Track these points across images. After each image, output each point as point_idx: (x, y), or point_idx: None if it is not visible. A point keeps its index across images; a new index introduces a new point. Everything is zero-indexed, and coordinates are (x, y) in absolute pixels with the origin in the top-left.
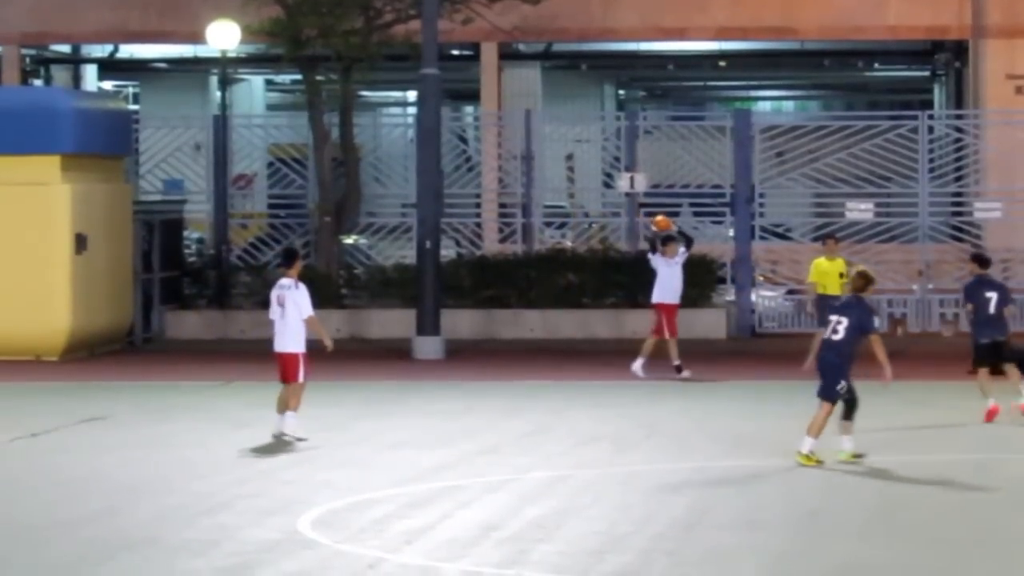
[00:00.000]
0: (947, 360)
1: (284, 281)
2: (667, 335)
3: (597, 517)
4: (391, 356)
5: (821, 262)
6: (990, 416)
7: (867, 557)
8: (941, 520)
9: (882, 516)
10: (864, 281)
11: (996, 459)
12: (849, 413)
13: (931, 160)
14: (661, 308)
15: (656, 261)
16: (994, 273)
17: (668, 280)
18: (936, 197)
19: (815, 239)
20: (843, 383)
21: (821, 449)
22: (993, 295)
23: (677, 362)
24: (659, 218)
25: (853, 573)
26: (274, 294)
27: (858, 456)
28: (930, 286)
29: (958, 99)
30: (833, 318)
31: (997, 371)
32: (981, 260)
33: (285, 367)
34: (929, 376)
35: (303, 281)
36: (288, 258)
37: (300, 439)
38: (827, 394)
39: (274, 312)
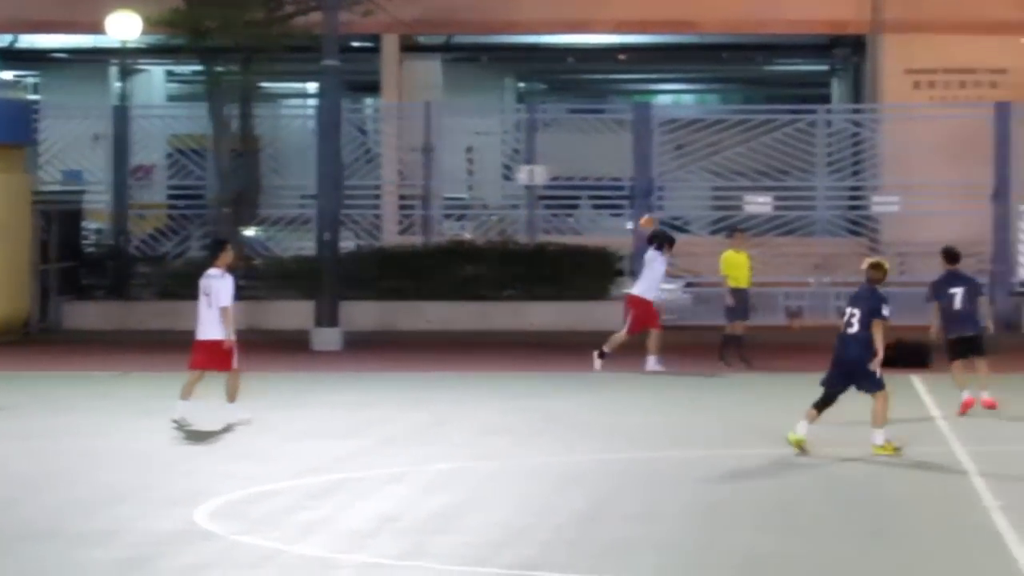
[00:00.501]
0: None
1: (212, 271)
2: (631, 330)
3: (498, 508)
4: (289, 347)
5: (731, 255)
6: (965, 408)
7: (766, 549)
8: (842, 513)
9: (782, 509)
10: (880, 272)
11: (914, 452)
12: (822, 406)
13: (829, 154)
14: (638, 303)
15: (656, 257)
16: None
17: (661, 277)
18: (833, 191)
19: (713, 232)
20: (876, 370)
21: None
22: (959, 290)
23: (607, 349)
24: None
25: (752, 564)
26: (202, 283)
27: (803, 447)
28: (826, 279)
29: (856, 93)
30: (847, 310)
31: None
32: (950, 255)
33: (213, 354)
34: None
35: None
36: (215, 248)
37: (245, 420)
38: (873, 386)
39: (201, 301)
